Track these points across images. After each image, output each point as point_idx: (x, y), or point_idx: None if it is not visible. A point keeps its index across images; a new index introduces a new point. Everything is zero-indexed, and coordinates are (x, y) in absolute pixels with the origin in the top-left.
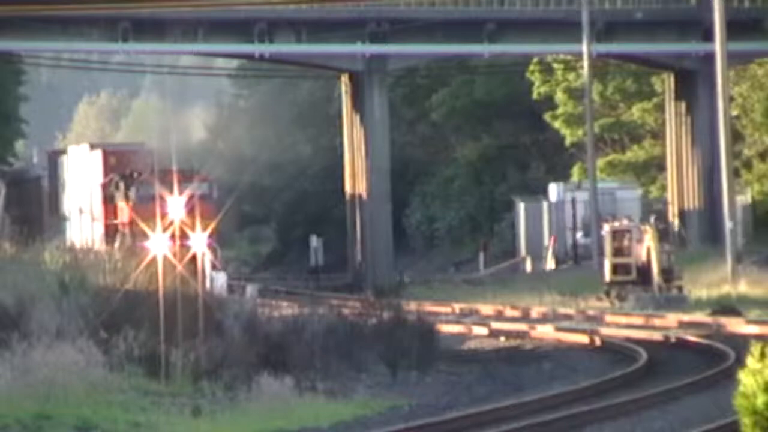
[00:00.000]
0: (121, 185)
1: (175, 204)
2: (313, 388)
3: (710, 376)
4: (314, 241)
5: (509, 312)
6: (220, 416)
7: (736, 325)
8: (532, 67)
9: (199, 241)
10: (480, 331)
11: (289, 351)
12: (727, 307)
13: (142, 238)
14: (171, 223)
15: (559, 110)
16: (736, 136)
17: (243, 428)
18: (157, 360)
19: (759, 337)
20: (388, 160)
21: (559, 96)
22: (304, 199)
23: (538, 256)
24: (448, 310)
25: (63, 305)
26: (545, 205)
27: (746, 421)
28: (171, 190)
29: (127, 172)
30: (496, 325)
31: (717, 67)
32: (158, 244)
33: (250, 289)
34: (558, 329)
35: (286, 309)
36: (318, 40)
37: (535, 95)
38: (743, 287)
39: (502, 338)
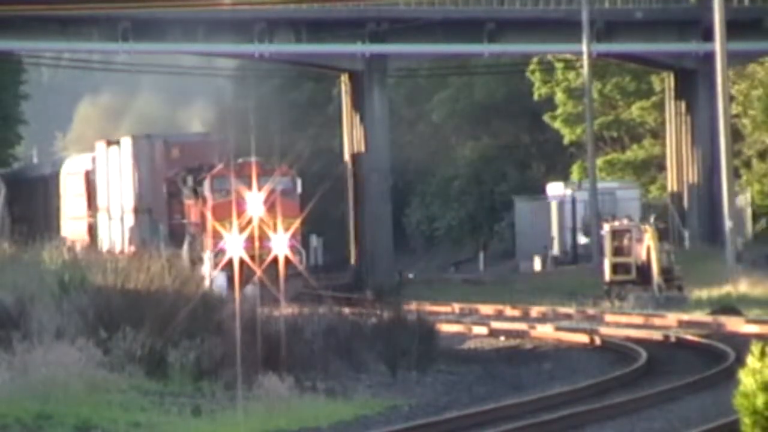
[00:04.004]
0: (189, 180)
1: (254, 200)
2: (313, 388)
3: (710, 376)
4: (314, 240)
5: (509, 312)
6: (220, 416)
7: (736, 325)
8: (532, 67)
9: (280, 242)
10: (480, 330)
11: (289, 351)
12: (727, 306)
13: (215, 239)
14: (249, 222)
15: (559, 110)
16: (736, 136)
17: (243, 428)
18: (157, 360)
19: (759, 337)
20: (388, 160)
21: (559, 96)
22: (304, 199)
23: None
24: (448, 309)
25: (63, 305)
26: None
27: (746, 420)
28: (249, 185)
29: (194, 165)
30: (496, 325)
31: (717, 67)
32: (235, 246)
33: (251, 289)
34: (558, 329)
35: (286, 309)
36: (318, 40)
37: (536, 96)
38: (743, 287)
39: (502, 338)
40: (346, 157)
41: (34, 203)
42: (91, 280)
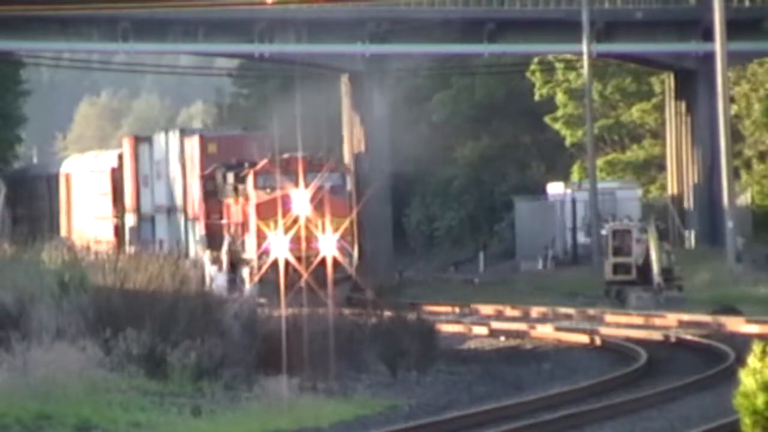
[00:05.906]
0: (230, 176)
1: (301, 198)
2: (313, 388)
3: (710, 376)
4: None
5: (509, 312)
6: (220, 416)
7: (736, 325)
8: (533, 67)
9: (329, 243)
10: (480, 330)
11: (289, 351)
12: (727, 306)
13: (259, 240)
14: (295, 222)
15: (559, 112)
16: (736, 136)
17: (243, 428)
18: (157, 360)
19: (759, 337)
20: (388, 160)
21: (560, 97)
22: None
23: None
24: (448, 309)
25: (63, 305)
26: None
27: (746, 420)
28: (295, 182)
29: (232, 162)
30: (496, 325)
31: (717, 67)
32: (280, 247)
33: (250, 289)
34: (558, 329)
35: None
36: (318, 40)
37: (536, 96)
38: (743, 287)
39: (502, 338)
40: (346, 157)
41: (36, 203)
42: (91, 280)
